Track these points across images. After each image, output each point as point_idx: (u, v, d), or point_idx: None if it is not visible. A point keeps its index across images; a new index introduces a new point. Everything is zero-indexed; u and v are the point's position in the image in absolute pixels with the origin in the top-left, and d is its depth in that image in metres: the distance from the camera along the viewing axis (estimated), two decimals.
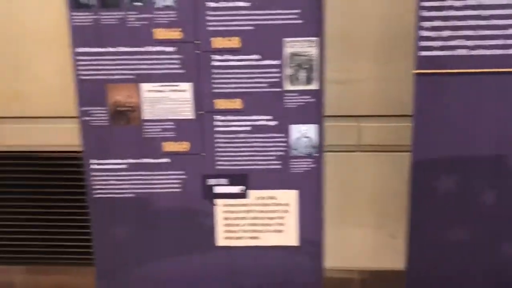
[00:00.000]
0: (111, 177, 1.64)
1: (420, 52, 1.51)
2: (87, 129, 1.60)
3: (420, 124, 1.56)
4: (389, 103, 1.89)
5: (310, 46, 1.52)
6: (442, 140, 1.58)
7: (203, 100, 1.57)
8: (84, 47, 1.54)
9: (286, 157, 1.61)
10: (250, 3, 1.50)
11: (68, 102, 1.98)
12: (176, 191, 1.65)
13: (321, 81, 1.55)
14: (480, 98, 1.53)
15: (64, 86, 1.97)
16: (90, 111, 1.58)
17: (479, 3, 1.45)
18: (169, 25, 1.52)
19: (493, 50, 1.49)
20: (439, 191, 1.63)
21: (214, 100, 1.57)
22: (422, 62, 1.51)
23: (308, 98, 1.56)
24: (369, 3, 1.80)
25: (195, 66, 1.54)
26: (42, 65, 2.00)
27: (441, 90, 1.53)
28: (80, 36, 1.52)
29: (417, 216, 1.62)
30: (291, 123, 1.59)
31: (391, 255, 2.00)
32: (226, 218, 1.68)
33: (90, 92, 1.57)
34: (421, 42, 1.50)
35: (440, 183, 1.62)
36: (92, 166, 1.63)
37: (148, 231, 1.68)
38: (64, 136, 2.04)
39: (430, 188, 1.63)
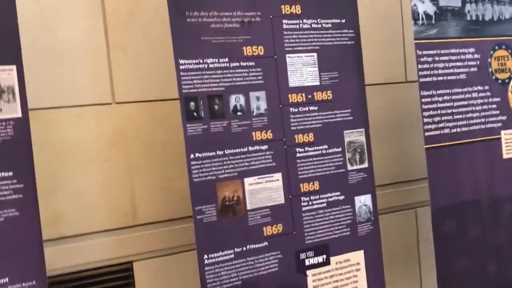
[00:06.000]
0: (222, 268, 1.79)
1: (425, 133, 2.16)
2: (200, 226, 1.75)
3: (433, 184, 2.16)
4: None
5: (360, 135, 2.04)
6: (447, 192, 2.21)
7: (291, 186, 1.91)
8: (196, 152, 1.75)
9: (353, 224, 2.02)
10: (317, 107, 1.96)
11: (108, 215, 2.06)
12: (274, 271, 1.88)
13: (370, 160, 2.06)
14: (461, 162, 2.24)
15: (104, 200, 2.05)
16: (203, 209, 1.76)
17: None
18: (262, 128, 1.86)
19: (465, 128, 2.24)
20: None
21: (300, 184, 1.92)
22: (427, 139, 2.16)
23: (362, 174, 2.04)
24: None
25: (284, 159, 1.89)
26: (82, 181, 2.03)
27: (440, 157, 2.19)
28: (193, 143, 1.75)
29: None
30: (354, 195, 2.02)
31: None
32: (315, 286, 1.95)
33: (202, 192, 1.76)
34: (426, 126, 2.16)
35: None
36: (205, 261, 1.76)
37: None
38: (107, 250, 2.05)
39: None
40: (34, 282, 1.47)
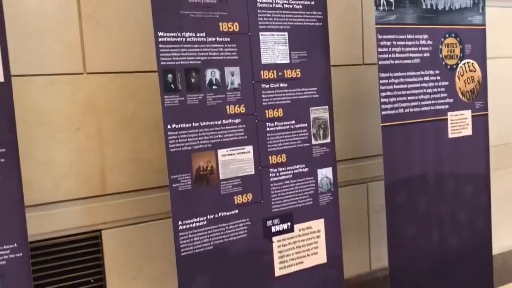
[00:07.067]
0: (195, 234, 1.88)
1: (382, 112, 2.34)
2: (175, 194, 1.83)
3: (387, 159, 2.35)
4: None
5: (324, 112, 2.18)
6: (399, 167, 2.41)
7: (261, 158, 2.02)
8: (173, 123, 1.82)
9: (315, 194, 2.17)
10: (287, 84, 2.08)
11: (77, 184, 2.09)
12: (243, 237, 2.00)
13: (332, 136, 2.21)
14: (413, 139, 2.44)
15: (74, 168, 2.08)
16: (179, 178, 1.84)
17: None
18: (236, 103, 1.96)
19: (416, 108, 2.44)
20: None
21: (269, 157, 2.04)
22: (383, 118, 2.34)
23: (325, 149, 2.19)
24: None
25: (255, 133, 2.00)
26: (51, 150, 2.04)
27: (394, 135, 2.38)
28: (170, 114, 1.81)
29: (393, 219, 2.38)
30: (317, 168, 2.17)
31: None
32: (280, 252, 2.09)
33: (178, 161, 1.83)
34: (382, 106, 2.33)
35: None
36: (179, 227, 1.85)
37: (225, 276, 1.95)
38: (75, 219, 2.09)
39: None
40: (15, 245, 1.50)
